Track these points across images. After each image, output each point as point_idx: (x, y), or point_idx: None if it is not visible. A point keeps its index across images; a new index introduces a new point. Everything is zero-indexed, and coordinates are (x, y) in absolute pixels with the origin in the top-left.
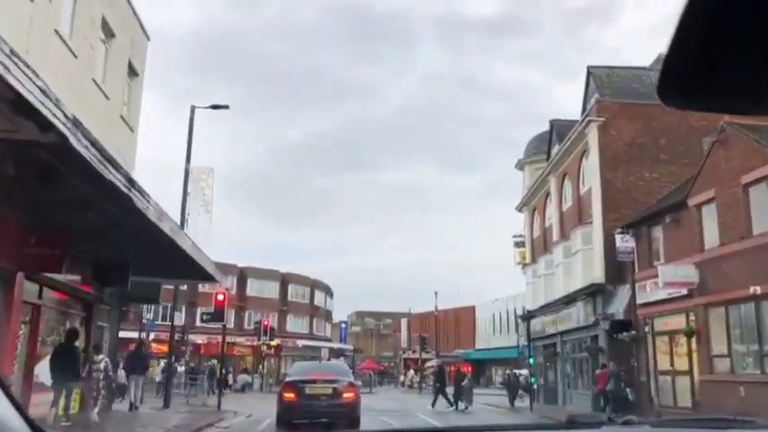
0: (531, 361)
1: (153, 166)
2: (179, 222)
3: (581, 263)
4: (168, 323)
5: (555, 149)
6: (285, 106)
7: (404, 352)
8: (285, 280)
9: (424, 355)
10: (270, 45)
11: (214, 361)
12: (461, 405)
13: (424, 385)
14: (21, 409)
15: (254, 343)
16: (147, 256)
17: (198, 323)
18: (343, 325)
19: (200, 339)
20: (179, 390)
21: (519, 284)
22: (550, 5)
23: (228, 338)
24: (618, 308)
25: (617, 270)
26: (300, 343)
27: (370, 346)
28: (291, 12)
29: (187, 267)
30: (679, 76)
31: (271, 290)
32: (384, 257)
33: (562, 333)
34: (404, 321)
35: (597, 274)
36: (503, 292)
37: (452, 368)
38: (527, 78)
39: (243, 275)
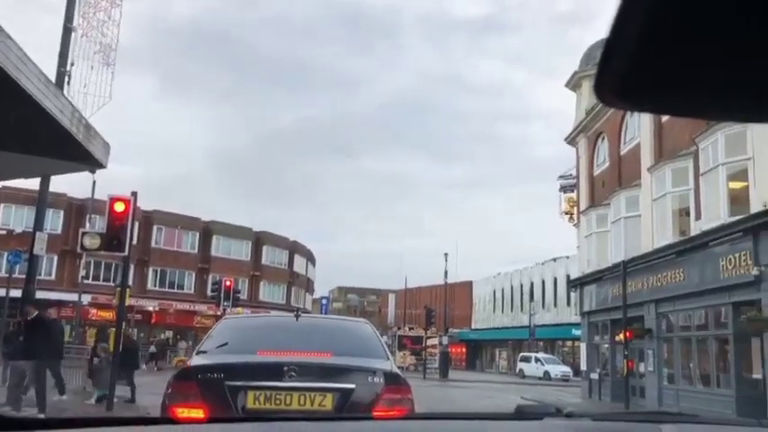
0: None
1: None
2: (55, 76)
3: (722, 186)
4: (111, 283)
5: None
6: (275, 93)
7: (399, 329)
8: (259, 240)
9: (427, 333)
10: (263, 35)
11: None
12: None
13: (423, 368)
14: None
15: (218, 312)
16: None
17: (149, 286)
18: (324, 301)
19: (150, 305)
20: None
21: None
22: (534, 8)
23: (187, 306)
24: None
25: None
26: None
27: None
28: (284, 4)
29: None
30: (619, 73)
31: (241, 250)
32: (366, 242)
33: (659, 301)
34: (392, 297)
35: None
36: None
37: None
38: (510, 76)
39: (207, 231)
